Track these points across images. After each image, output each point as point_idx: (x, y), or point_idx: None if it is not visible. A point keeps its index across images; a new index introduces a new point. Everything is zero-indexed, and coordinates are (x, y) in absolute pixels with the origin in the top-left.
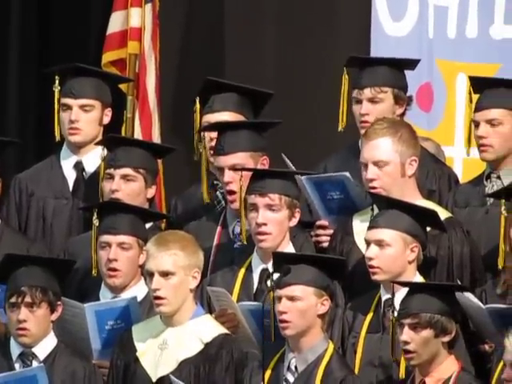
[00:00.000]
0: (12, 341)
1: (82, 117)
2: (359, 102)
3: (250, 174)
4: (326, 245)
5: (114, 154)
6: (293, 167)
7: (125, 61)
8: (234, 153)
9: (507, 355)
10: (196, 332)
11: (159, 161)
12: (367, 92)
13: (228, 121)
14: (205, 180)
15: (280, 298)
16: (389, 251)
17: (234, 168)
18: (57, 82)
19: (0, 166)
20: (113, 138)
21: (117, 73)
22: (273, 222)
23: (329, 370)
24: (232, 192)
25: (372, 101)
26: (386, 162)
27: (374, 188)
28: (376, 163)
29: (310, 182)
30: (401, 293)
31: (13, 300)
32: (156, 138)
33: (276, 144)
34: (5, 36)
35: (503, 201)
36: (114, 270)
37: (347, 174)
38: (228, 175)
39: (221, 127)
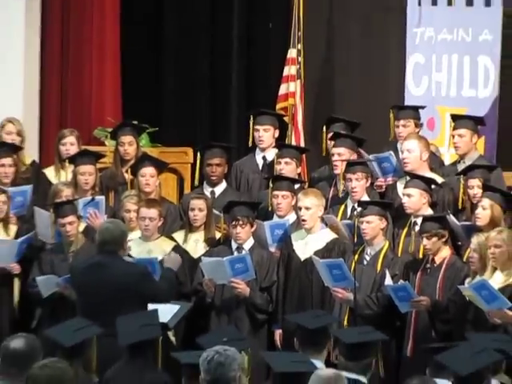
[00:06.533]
0: (232, 242)
1: (265, 134)
2: (398, 126)
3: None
4: (380, 190)
5: (281, 151)
6: (366, 155)
7: (287, 107)
8: (342, 147)
9: (472, 245)
10: (322, 237)
11: (303, 155)
12: (401, 122)
13: (342, 132)
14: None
15: (362, 222)
16: (412, 199)
17: (340, 155)
18: (252, 118)
19: (230, 159)
20: (280, 144)
21: (282, 113)
22: (359, 187)
23: (387, 255)
24: (336, 166)
25: (404, 126)
26: (413, 150)
27: (406, 163)
28: (408, 150)
29: (374, 160)
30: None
31: (234, 223)
32: (302, 145)
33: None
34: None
35: (462, 176)
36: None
37: (391, 152)
38: (336, 158)
39: (339, 135)
